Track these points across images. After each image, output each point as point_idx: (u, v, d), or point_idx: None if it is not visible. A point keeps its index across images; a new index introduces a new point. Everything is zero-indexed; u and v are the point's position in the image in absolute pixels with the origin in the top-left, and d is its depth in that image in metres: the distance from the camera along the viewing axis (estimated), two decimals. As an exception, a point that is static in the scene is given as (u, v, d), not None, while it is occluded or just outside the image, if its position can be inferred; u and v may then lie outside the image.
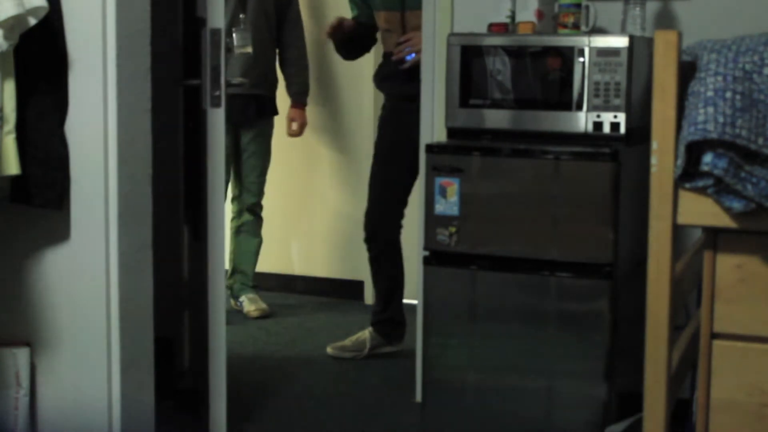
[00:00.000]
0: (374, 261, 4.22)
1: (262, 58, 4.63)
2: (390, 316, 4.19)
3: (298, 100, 4.84)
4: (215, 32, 3.03)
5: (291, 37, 4.79)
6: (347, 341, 4.22)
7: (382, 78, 4.13)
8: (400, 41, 3.95)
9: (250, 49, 4.43)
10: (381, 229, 4.13)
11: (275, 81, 4.81)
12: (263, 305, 4.90)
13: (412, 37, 3.91)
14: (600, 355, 2.89)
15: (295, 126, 4.86)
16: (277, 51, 4.82)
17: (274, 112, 4.83)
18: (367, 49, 4.40)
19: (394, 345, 4.19)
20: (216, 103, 3.05)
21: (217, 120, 3.07)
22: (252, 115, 4.70)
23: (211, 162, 3.09)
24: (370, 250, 4.20)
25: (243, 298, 4.91)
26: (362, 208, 4.30)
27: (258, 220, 4.92)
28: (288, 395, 3.79)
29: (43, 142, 2.67)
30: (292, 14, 4.79)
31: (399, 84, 4.01)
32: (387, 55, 4.10)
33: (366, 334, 4.20)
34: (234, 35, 4.34)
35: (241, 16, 4.47)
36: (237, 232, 4.87)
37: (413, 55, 3.90)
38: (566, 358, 2.93)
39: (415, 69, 3.85)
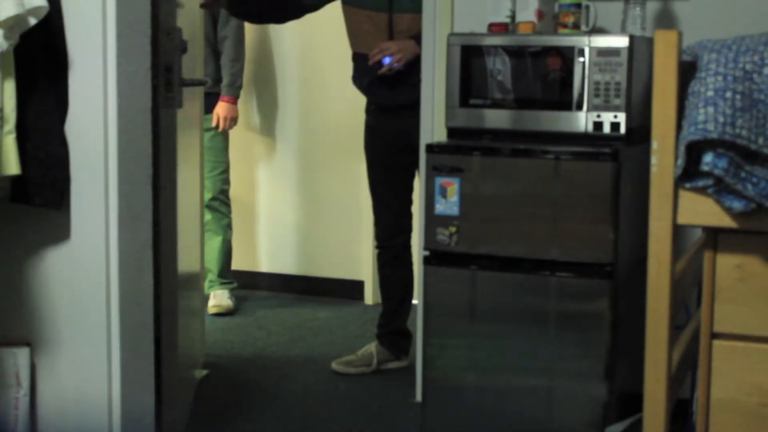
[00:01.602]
0: (385, 266, 4.13)
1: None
2: (396, 328, 4.11)
3: (225, 93, 4.85)
4: (170, 31, 2.99)
5: (223, 30, 4.84)
6: (353, 356, 4.12)
7: (369, 84, 4.00)
8: (375, 52, 3.84)
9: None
10: (395, 234, 4.08)
11: (213, 78, 4.84)
12: (225, 303, 4.93)
13: (389, 47, 3.82)
14: (600, 355, 2.89)
15: (219, 120, 4.85)
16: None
17: (214, 108, 4.86)
18: (287, 14, 4.23)
19: (402, 360, 4.10)
20: (167, 104, 2.99)
21: (170, 120, 3.04)
22: None
23: (163, 163, 3.00)
24: (381, 256, 4.13)
25: (210, 295, 4.93)
26: (363, 208, 4.30)
27: (220, 217, 4.95)
28: (288, 395, 3.79)
29: (43, 141, 2.67)
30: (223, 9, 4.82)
31: (389, 92, 3.94)
32: (365, 58, 3.94)
33: (372, 347, 4.11)
34: None
35: None
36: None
37: (390, 58, 3.81)
38: (566, 358, 2.93)
39: (402, 76, 3.84)
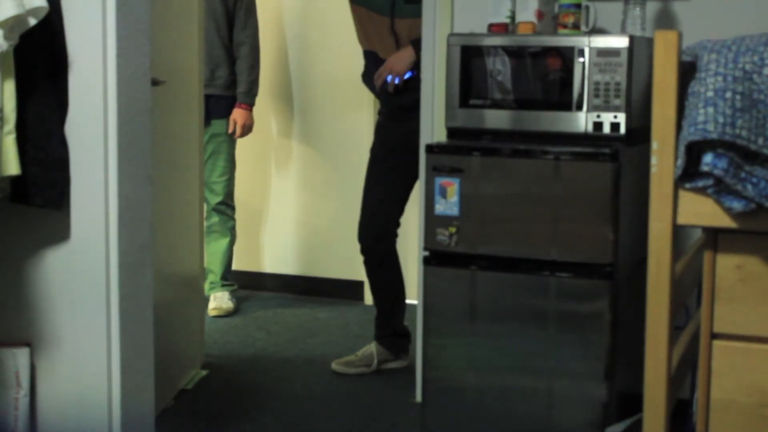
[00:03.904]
0: (372, 273, 4.09)
1: (209, 58, 4.65)
2: (393, 330, 4.10)
3: (241, 100, 4.84)
4: None
5: (240, 36, 4.83)
6: (353, 356, 4.10)
7: (379, 85, 4.02)
8: (375, 78, 3.93)
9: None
10: (378, 239, 4.03)
11: (226, 81, 4.83)
12: (226, 305, 4.93)
13: (384, 71, 3.88)
14: (600, 355, 2.89)
15: (236, 127, 4.84)
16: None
17: (227, 112, 4.83)
18: None
19: (401, 359, 4.09)
20: None
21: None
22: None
23: None
24: (366, 263, 4.08)
25: (210, 297, 4.93)
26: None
27: (226, 219, 4.95)
28: (288, 395, 3.79)
29: (43, 142, 2.67)
30: (241, 13, 4.82)
31: (394, 95, 3.95)
32: (373, 55, 4.01)
33: (372, 347, 4.10)
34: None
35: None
36: (208, 232, 4.88)
37: (396, 79, 3.87)
38: (566, 358, 2.93)
39: (410, 80, 3.85)
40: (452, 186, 3.00)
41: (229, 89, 4.85)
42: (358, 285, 5.24)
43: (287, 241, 5.42)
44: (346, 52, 4.06)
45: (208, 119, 4.63)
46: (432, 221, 3.04)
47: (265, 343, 4.48)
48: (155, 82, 3.04)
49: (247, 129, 4.88)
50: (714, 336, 2.20)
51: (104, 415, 2.80)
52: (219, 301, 4.93)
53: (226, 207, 4.96)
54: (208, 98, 4.59)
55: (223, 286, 4.98)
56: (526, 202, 2.95)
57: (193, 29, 3.86)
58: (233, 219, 5.01)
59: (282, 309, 5.06)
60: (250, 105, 4.87)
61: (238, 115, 4.83)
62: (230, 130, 4.84)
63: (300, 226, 5.38)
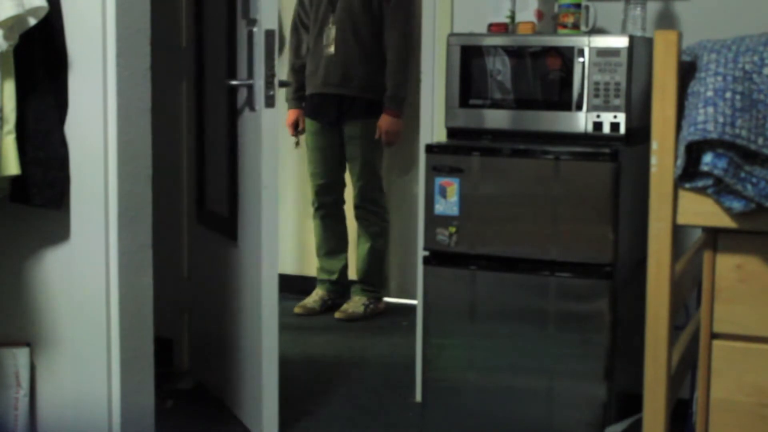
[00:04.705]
0: None
1: (343, 58, 4.59)
2: None
3: (387, 106, 4.61)
4: (269, 34, 3.03)
5: (389, 38, 4.63)
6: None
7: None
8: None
9: (332, 49, 4.58)
10: None
11: (364, 83, 4.65)
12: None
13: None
14: (600, 355, 2.89)
15: (381, 133, 4.66)
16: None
17: (360, 114, 4.68)
18: None
19: None
20: (270, 104, 3.05)
21: (270, 120, 3.07)
22: (332, 116, 4.68)
23: (266, 163, 3.09)
24: None
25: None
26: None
27: (362, 224, 4.85)
28: (287, 395, 3.78)
29: (43, 142, 2.67)
30: (390, 15, 4.61)
31: None
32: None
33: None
34: (324, 35, 4.57)
35: (330, 16, 4.59)
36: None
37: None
38: (566, 358, 2.93)
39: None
40: (452, 186, 3.00)
41: (364, 91, 4.65)
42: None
43: (286, 241, 5.41)
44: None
45: (341, 120, 4.63)
46: (432, 221, 3.04)
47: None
48: (281, 84, 3.15)
49: (391, 136, 4.64)
50: (714, 336, 2.20)
51: (104, 415, 2.80)
52: (355, 304, 4.89)
53: (363, 211, 4.81)
54: (341, 99, 4.60)
55: (363, 290, 4.90)
56: (526, 202, 2.95)
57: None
58: (372, 224, 4.85)
59: (281, 309, 5.05)
60: (394, 110, 4.61)
61: (383, 121, 4.62)
62: (377, 136, 4.66)
63: (299, 226, 5.38)
